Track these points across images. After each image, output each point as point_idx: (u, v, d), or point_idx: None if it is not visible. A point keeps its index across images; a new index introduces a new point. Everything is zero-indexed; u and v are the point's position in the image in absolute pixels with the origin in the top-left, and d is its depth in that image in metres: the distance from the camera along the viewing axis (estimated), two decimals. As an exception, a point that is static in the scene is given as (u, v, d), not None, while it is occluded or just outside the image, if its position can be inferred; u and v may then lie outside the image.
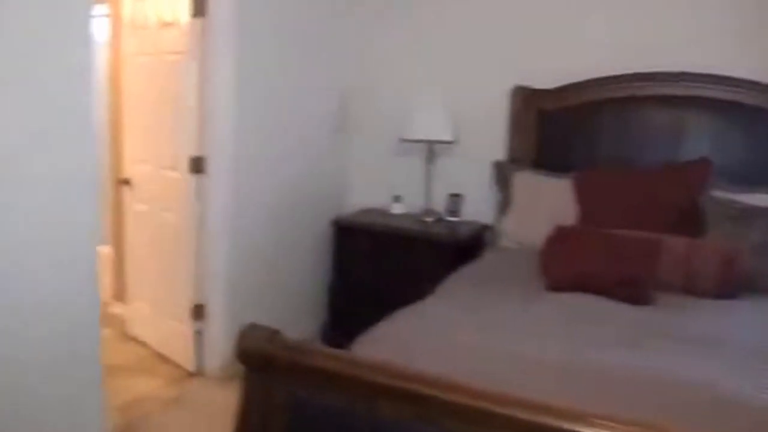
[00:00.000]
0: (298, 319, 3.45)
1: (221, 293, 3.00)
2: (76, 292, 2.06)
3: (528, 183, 3.01)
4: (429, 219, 3.32)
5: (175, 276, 3.08)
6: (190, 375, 3.05)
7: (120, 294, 3.75)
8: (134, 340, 3.42)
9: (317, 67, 3.40)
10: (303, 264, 3.50)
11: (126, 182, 3.35)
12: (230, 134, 2.88)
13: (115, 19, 3.57)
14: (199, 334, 3.05)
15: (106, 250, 3.85)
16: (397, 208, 3.50)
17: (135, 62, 3.24)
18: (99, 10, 3.91)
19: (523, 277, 2.40)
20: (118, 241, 3.72)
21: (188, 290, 3.02)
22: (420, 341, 1.81)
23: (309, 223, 3.49)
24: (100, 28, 3.95)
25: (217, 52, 2.80)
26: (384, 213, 3.52)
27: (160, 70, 3.03)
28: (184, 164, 2.91)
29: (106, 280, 3.85)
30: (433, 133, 3.23)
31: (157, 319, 3.26)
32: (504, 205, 3.10)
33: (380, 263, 3.27)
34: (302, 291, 3.51)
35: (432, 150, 3.36)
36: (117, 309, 3.78)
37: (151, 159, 3.18)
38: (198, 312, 3.02)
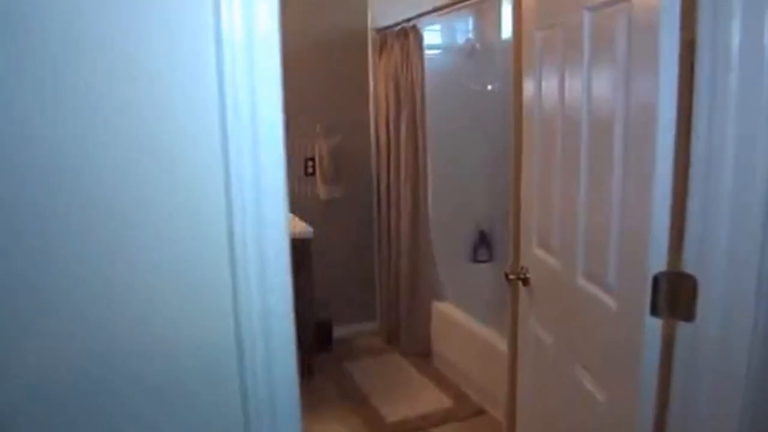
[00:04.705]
0: None
1: None
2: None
3: None
4: None
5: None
6: None
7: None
8: None
9: None
10: None
11: (523, 279, 1.85)
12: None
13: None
14: None
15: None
16: None
17: (542, 41, 1.68)
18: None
19: None
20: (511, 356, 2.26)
21: None
22: None
23: None
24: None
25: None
26: None
27: (596, 53, 1.41)
28: (635, 287, 1.23)
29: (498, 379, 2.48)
30: None
31: None
32: None
33: None
34: None
35: None
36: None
37: (557, 248, 1.60)
38: None
